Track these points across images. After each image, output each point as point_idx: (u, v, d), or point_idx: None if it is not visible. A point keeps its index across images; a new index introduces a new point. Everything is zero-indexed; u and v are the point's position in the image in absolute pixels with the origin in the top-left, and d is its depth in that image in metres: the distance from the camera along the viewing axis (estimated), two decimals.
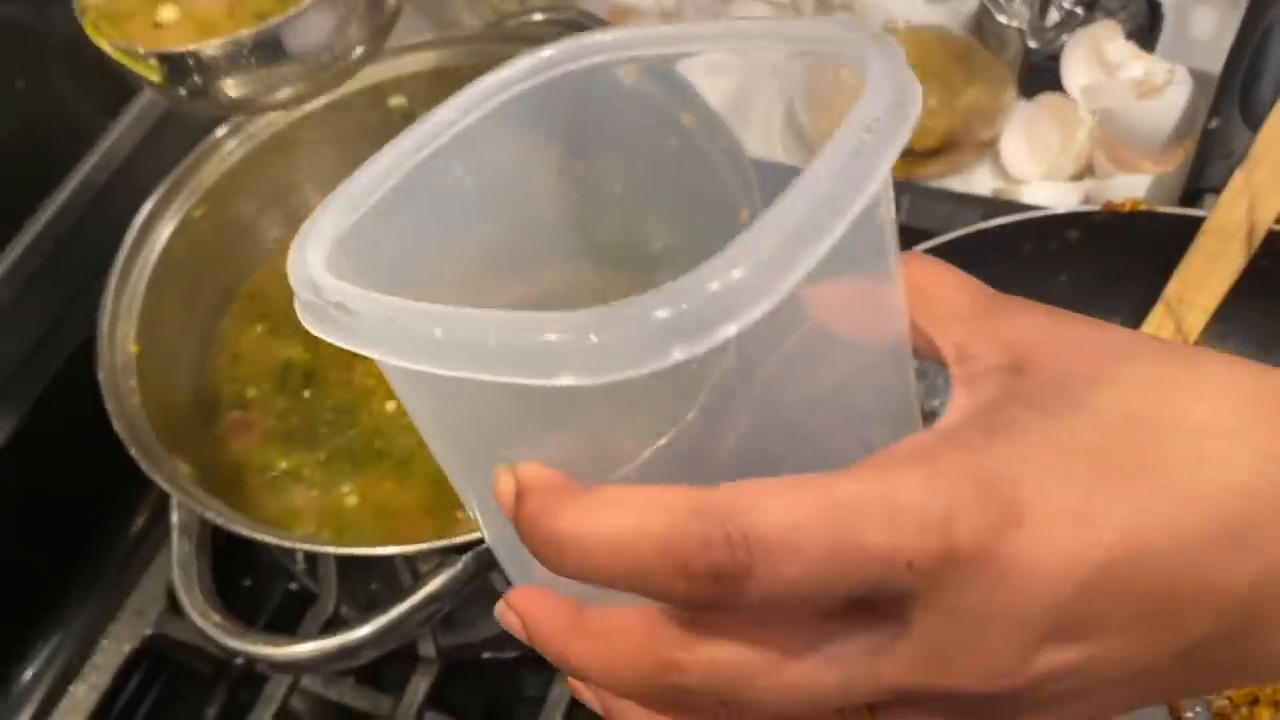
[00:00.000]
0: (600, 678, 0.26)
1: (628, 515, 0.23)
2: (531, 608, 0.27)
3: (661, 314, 0.21)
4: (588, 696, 0.28)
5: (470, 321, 0.23)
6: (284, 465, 0.57)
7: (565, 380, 0.21)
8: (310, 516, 0.55)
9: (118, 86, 0.63)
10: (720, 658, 0.24)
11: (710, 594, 0.22)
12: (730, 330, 0.21)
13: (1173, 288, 0.56)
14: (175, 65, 0.25)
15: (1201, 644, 0.23)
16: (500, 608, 0.27)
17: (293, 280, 0.26)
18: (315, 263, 0.26)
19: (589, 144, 0.33)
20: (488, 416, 0.26)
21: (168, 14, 0.26)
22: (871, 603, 0.23)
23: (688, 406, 0.25)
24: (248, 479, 0.57)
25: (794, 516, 0.22)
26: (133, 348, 0.53)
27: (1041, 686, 0.23)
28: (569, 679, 0.28)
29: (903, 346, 0.28)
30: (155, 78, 0.27)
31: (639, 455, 0.26)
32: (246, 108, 0.28)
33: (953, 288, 0.28)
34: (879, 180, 0.23)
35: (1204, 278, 0.55)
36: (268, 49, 0.24)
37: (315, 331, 0.25)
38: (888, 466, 0.23)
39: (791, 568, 0.22)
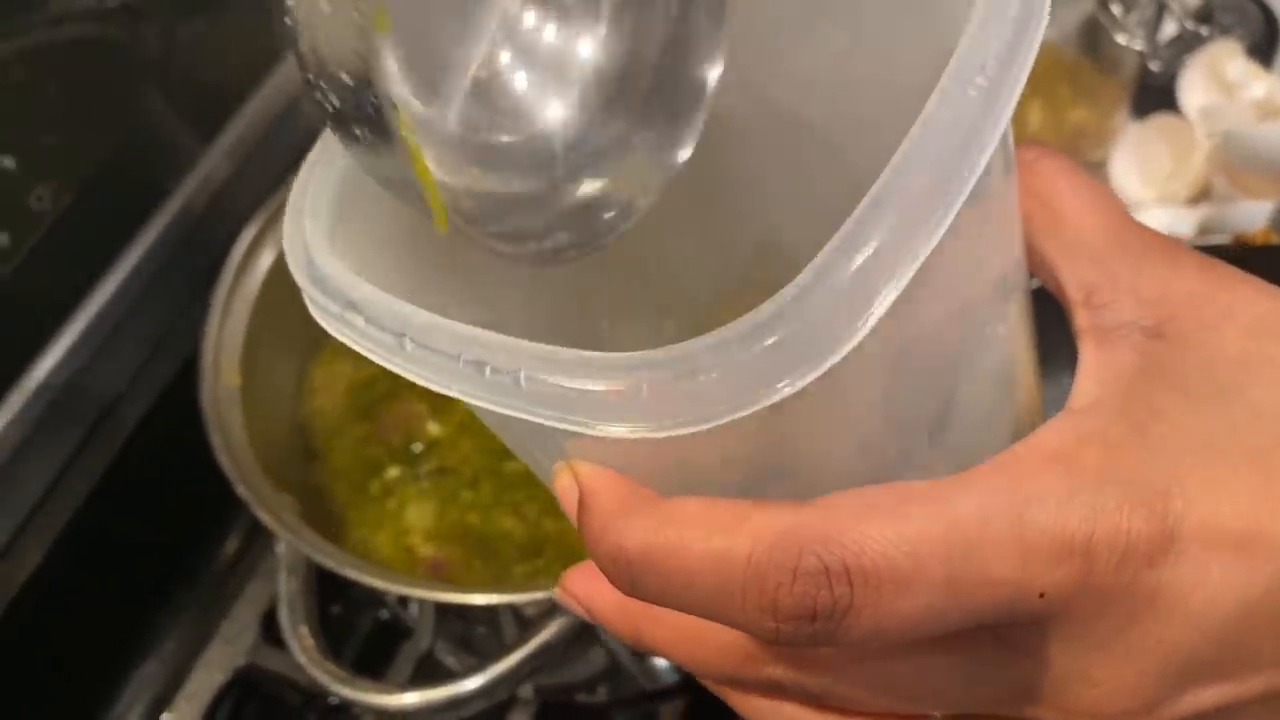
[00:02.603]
0: (682, 663, 0.23)
1: (708, 536, 0.19)
2: (594, 595, 0.24)
3: (767, 342, 0.17)
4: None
5: (504, 353, 0.19)
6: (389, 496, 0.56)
7: (622, 431, 0.18)
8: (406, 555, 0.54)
9: (213, 108, 0.63)
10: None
11: (803, 633, 0.19)
12: (845, 350, 0.17)
13: None
14: None
15: None
16: (558, 593, 0.25)
17: (292, 266, 0.22)
18: (318, 244, 0.22)
19: None
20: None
21: None
22: (988, 628, 0.20)
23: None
24: (350, 508, 0.56)
25: (905, 542, 0.19)
26: (235, 379, 0.52)
27: None
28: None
29: (1014, 278, 0.23)
30: None
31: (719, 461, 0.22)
32: None
33: (1086, 206, 0.23)
34: (1002, 129, 0.19)
35: None
36: None
37: (327, 328, 0.22)
38: (1013, 470, 0.20)
39: (902, 603, 0.19)
